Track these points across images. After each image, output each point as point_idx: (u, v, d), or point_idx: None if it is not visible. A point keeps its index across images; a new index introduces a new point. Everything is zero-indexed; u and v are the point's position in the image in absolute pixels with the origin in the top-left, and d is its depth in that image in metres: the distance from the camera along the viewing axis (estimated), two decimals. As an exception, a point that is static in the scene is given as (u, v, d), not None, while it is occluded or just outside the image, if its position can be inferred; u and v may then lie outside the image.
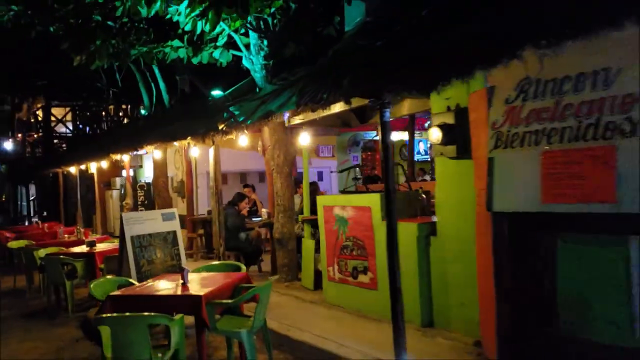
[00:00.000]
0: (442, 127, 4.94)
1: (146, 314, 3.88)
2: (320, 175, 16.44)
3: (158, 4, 6.31)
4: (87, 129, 23.05)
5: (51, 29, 8.88)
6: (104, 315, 4.04)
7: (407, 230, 5.57)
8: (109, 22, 7.66)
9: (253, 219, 9.00)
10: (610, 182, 3.52)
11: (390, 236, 4.38)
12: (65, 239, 10.09)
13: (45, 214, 22.66)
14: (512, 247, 4.26)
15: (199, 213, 12.16)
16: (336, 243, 6.54)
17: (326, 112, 5.64)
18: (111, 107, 20.21)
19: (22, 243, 9.89)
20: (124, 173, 16.47)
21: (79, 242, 9.22)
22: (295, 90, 5.92)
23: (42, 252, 8.15)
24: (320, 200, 6.85)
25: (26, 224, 22.30)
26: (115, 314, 4.03)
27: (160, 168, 12.73)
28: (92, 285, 5.07)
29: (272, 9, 6.71)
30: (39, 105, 25.96)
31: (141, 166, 17.68)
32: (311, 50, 7.97)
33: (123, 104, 17.61)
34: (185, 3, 5.99)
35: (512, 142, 4.14)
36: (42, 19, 8.80)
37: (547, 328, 4.07)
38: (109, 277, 5.65)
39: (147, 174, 16.60)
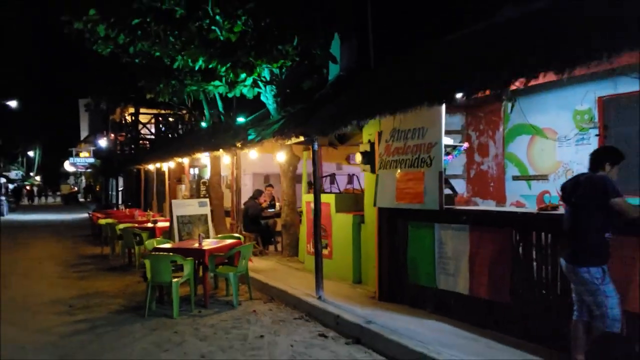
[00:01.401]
0: (363, 153, 7.50)
1: (168, 254, 6.74)
2: (350, 178, 19.05)
3: (200, 61, 9.21)
4: (168, 133, 26.73)
5: (136, 61, 12.05)
6: (147, 253, 6.94)
7: (347, 219, 8.14)
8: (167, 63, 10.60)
9: (269, 210, 11.75)
10: (421, 192, 6.01)
11: (315, 222, 7.02)
12: (139, 219, 13.34)
13: (130, 203, 26.54)
14: (387, 229, 6.79)
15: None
16: (308, 228, 9.18)
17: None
18: (186, 115, 23.69)
19: (109, 220, 13.21)
20: (191, 171, 19.80)
21: (148, 221, 12.37)
22: (282, 122, 8.64)
23: (121, 226, 11.34)
24: (304, 197, 9.52)
25: (114, 209, 26.27)
26: (152, 253, 6.93)
27: (214, 169, 15.76)
28: (146, 242, 8.02)
29: (278, 65, 9.43)
30: (130, 111, 29.96)
31: (206, 165, 20.97)
32: (319, 86, 10.66)
33: (193, 116, 20.93)
34: (215, 63, 8.85)
35: (386, 165, 6.67)
36: (129, 55, 11.95)
37: (403, 279, 6.57)
38: (157, 239, 8.61)
39: (210, 172, 19.82)
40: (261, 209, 11.34)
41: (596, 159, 4.05)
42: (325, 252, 8.80)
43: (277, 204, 11.94)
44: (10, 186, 46.24)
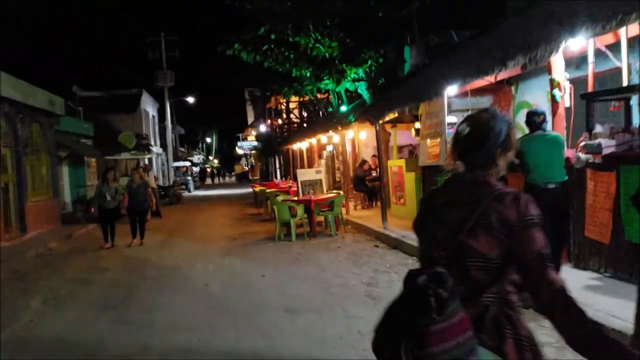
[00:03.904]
0: (416, 129, 10.38)
1: (288, 201, 10.46)
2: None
3: (307, 73, 12.72)
4: (310, 118, 31.06)
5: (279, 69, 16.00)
6: (275, 201, 10.73)
7: (412, 176, 11.07)
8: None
9: (373, 174, 14.99)
10: (438, 154, 8.84)
11: (380, 180, 10.15)
12: (281, 186, 17.53)
13: (286, 177, 31.55)
14: (427, 180, 9.69)
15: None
16: (393, 184, 12.28)
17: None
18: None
19: (261, 188, 17.60)
20: (328, 147, 23.78)
21: (287, 187, 16.45)
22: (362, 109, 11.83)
23: (267, 191, 15.50)
24: (389, 163, 12.62)
25: (268, 182, 31.42)
26: (278, 202, 10.69)
27: (341, 146, 19.35)
28: (276, 198, 11.84)
29: (366, 67, 12.55)
30: (282, 100, 34.84)
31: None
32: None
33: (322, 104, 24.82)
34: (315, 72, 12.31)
35: (424, 137, 9.55)
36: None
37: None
38: (287, 196, 12.42)
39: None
40: (365, 174, 14.64)
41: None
42: (401, 200, 11.91)
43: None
44: (195, 169, 55.09)
